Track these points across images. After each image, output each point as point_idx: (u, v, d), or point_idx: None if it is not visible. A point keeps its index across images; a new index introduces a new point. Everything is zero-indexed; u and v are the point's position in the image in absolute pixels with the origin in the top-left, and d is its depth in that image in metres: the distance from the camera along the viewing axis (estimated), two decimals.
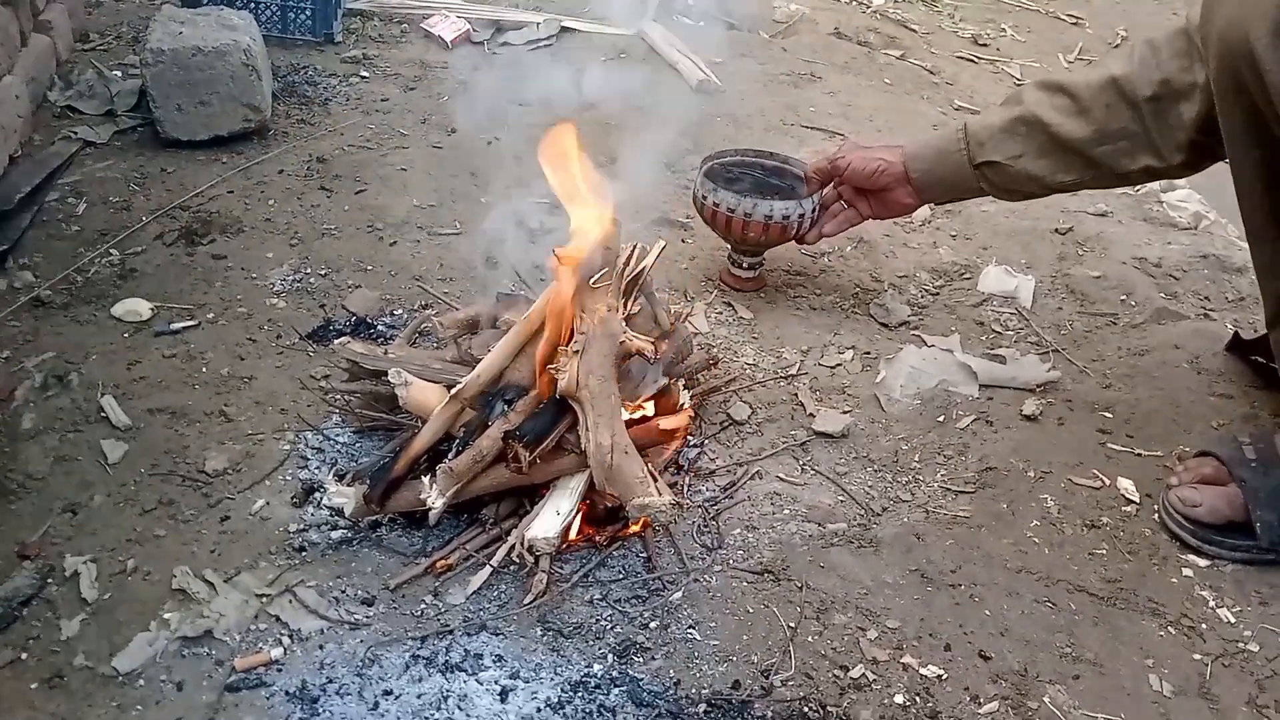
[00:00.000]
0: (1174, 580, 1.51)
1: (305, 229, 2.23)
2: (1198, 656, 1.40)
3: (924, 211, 2.50)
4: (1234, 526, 1.53)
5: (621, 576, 1.46)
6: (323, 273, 2.09)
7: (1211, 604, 1.48)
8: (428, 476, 1.46)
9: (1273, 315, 1.65)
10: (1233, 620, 1.45)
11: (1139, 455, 1.75)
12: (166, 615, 1.33)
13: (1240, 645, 1.42)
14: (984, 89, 3.38)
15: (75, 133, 2.49)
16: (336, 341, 1.69)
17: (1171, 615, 1.45)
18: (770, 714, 1.27)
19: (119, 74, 2.74)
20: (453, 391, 1.53)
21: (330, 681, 1.27)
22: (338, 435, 1.67)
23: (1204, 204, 2.56)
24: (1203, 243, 2.40)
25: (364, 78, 2.98)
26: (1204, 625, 1.44)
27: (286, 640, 1.32)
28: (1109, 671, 1.36)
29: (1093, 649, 1.39)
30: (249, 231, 2.20)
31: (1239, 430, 1.75)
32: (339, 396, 1.72)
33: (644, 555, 1.49)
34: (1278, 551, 1.51)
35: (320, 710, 1.23)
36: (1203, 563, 1.54)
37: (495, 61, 3.13)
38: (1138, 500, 1.65)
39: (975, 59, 3.56)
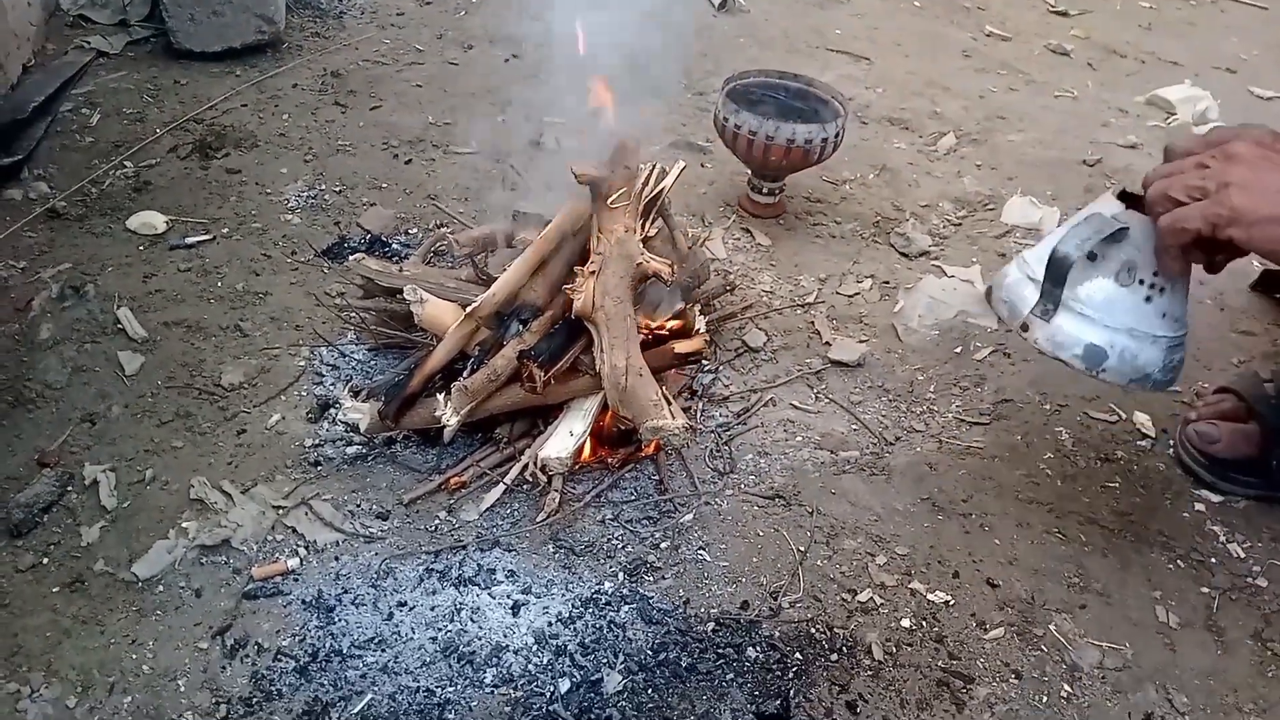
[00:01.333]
0: (1185, 515, 1.51)
1: (320, 144, 2.20)
2: (1205, 590, 1.40)
3: (950, 139, 2.45)
4: (1250, 463, 1.52)
5: (633, 498, 1.47)
6: (337, 189, 2.07)
7: (1222, 539, 1.48)
8: (442, 394, 1.46)
9: None
10: (1242, 555, 1.45)
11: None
12: (185, 524, 1.35)
13: (1249, 580, 1.42)
14: (1015, 15, 3.28)
15: (88, 42, 2.46)
16: (351, 258, 1.68)
17: (1181, 549, 1.46)
18: (778, 634, 1.28)
19: None
20: (468, 310, 1.52)
21: (346, 592, 1.29)
22: (353, 352, 1.67)
23: None
24: None
25: None
26: (1213, 559, 1.44)
27: (303, 551, 1.34)
28: (1116, 602, 1.37)
29: (1101, 580, 1.40)
30: (263, 146, 2.17)
31: (1260, 367, 1.73)
32: (354, 313, 1.72)
33: (656, 478, 1.50)
34: None
35: (336, 619, 1.25)
36: (1215, 498, 1.54)
37: None
38: (1153, 435, 1.64)
39: None
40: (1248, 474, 1.52)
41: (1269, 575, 1.42)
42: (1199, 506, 1.53)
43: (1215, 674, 1.29)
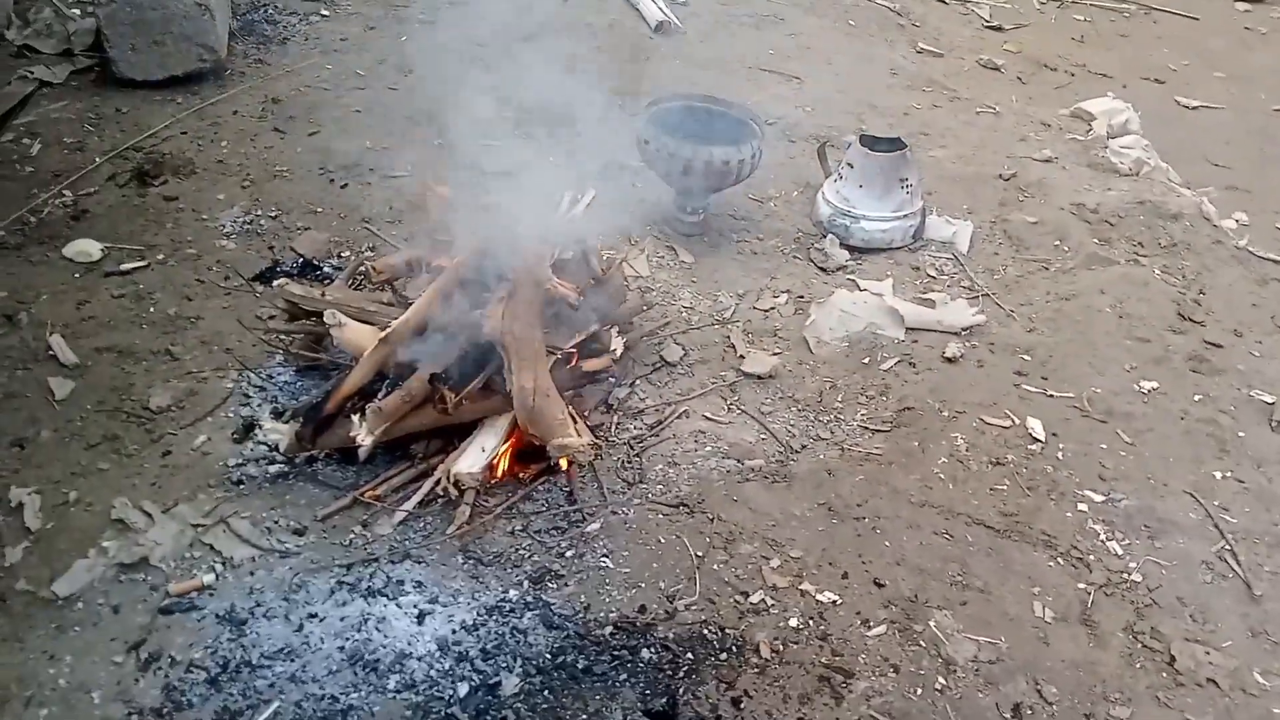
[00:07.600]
0: (1069, 514, 1.59)
1: (257, 170, 2.26)
2: (1082, 585, 1.48)
3: None
4: None
5: (544, 509, 1.54)
6: (273, 215, 2.13)
7: (1102, 537, 1.56)
8: (358, 415, 1.52)
9: None
10: (1120, 552, 1.53)
11: (1050, 396, 1.82)
12: (105, 543, 1.40)
13: (1125, 576, 1.50)
14: (950, 31, 3.37)
15: (32, 72, 2.51)
16: (276, 283, 1.74)
17: (1062, 547, 1.54)
18: (672, 636, 1.35)
19: (77, 12, 2.73)
20: (383, 334, 1.58)
21: (258, 605, 1.35)
22: (280, 374, 1.73)
23: (1147, 150, 2.59)
24: (1142, 189, 2.44)
25: (325, 16, 2.98)
26: (1092, 557, 1.52)
27: (219, 567, 1.40)
28: (995, 598, 1.45)
29: (983, 577, 1.48)
30: (201, 173, 2.23)
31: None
32: (280, 336, 1.78)
33: (567, 489, 1.57)
34: None
35: (248, 631, 1.31)
36: (1098, 498, 1.62)
37: (455, 0, 3.12)
38: (1044, 439, 1.72)
39: None
40: None
41: (1144, 571, 1.51)
42: (1082, 506, 1.61)
43: (1085, 665, 1.37)
